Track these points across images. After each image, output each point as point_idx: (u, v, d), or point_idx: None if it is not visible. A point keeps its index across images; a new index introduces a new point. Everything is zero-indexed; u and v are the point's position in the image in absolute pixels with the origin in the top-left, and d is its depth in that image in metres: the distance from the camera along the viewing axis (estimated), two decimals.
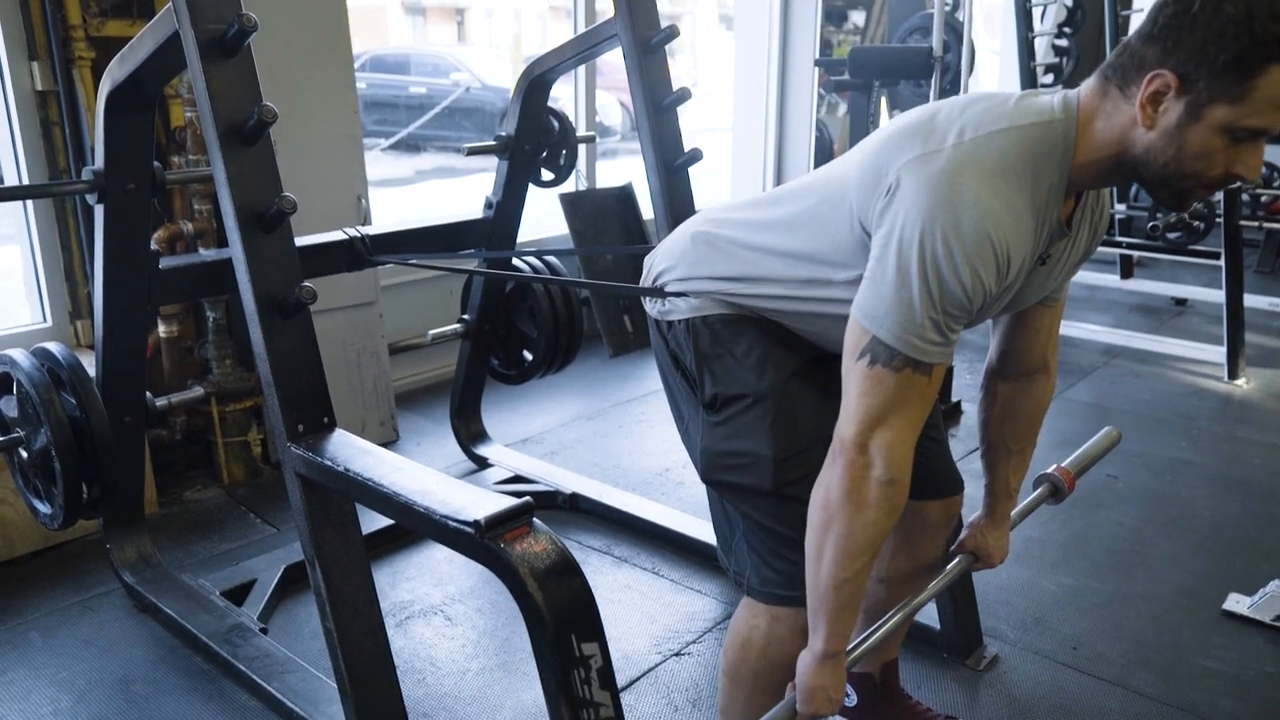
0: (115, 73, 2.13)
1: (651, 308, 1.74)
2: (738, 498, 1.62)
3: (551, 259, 3.13)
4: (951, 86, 5.06)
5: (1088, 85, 1.36)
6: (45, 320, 3.14)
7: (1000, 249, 1.29)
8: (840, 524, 1.37)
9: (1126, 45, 1.31)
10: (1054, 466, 1.93)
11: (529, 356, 3.25)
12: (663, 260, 1.73)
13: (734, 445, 1.60)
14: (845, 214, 1.44)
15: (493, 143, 3.04)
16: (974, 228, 1.28)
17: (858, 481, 1.35)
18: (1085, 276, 5.91)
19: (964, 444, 3.57)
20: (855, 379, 1.36)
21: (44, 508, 2.30)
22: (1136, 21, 6.73)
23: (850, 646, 1.52)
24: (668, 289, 1.69)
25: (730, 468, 1.61)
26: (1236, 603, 2.60)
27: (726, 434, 1.61)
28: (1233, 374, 4.41)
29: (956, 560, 1.82)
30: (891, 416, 1.34)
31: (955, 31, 5.24)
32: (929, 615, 2.39)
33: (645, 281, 1.76)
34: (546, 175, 3.16)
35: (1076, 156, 1.35)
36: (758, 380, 1.60)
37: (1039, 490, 1.93)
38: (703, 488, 1.72)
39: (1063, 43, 6.62)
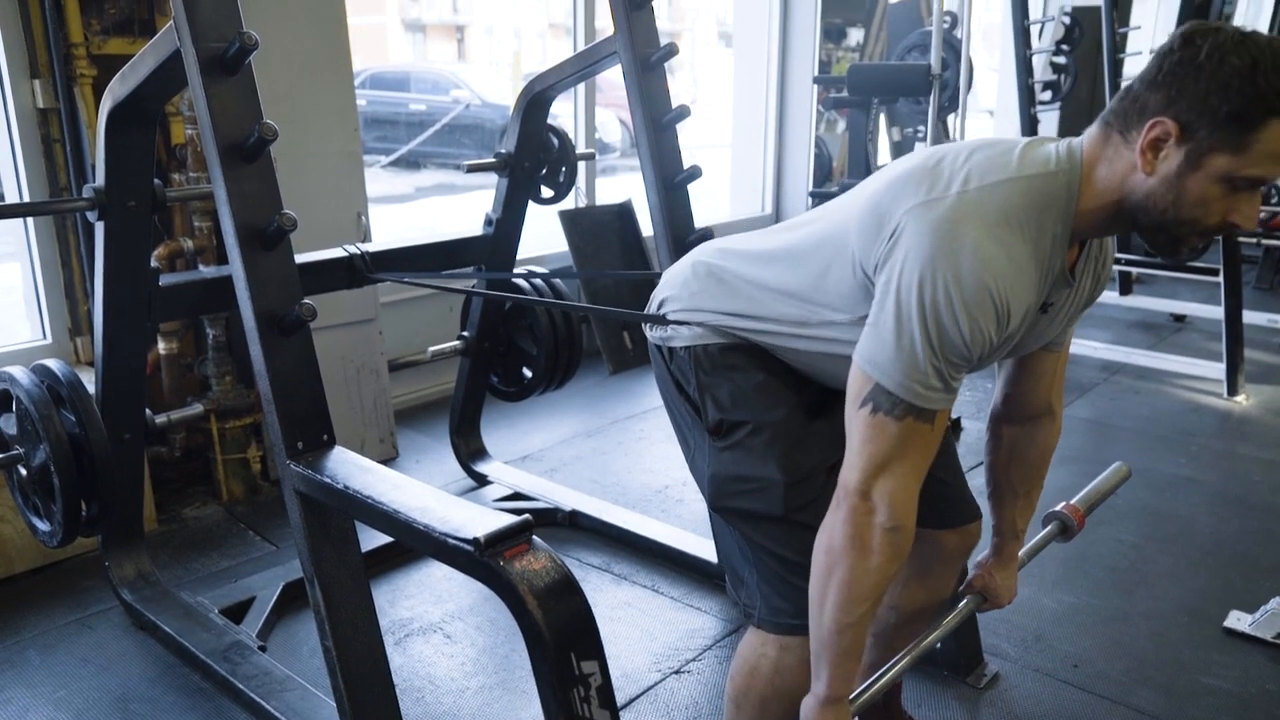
0: (117, 90, 2.13)
1: (653, 334, 1.74)
2: (747, 524, 1.60)
3: (559, 284, 3.13)
4: (950, 104, 5.09)
5: (1090, 133, 1.37)
6: (45, 337, 3.14)
7: (1000, 300, 1.29)
8: (843, 570, 1.37)
9: (1129, 90, 1.31)
10: (1063, 504, 1.92)
11: (529, 374, 3.25)
12: (666, 288, 1.73)
13: (742, 470, 1.59)
14: (847, 257, 1.44)
15: (492, 160, 3.05)
16: (974, 278, 1.27)
17: (861, 528, 1.35)
18: None
19: (965, 461, 3.55)
20: (858, 426, 1.36)
21: (43, 525, 2.30)
22: (1134, 39, 6.80)
23: (854, 693, 1.52)
24: (669, 317, 1.69)
25: (739, 494, 1.60)
26: (1238, 620, 2.59)
27: (734, 460, 1.60)
28: (1232, 390, 4.41)
29: (965, 601, 1.81)
30: (894, 464, 1.34)
31: (954, 49, 5.26)
32: None
33: (650, 308, 1.76)
34: (546, 192, 3.17)
35: (1080, 205, 1.35)
36: (763, 406, 1.59)
37: (1048, 528, 1.92)
38: (703, 505, 1.72)
39: (1061, 60, 6.66)
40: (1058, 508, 1.92)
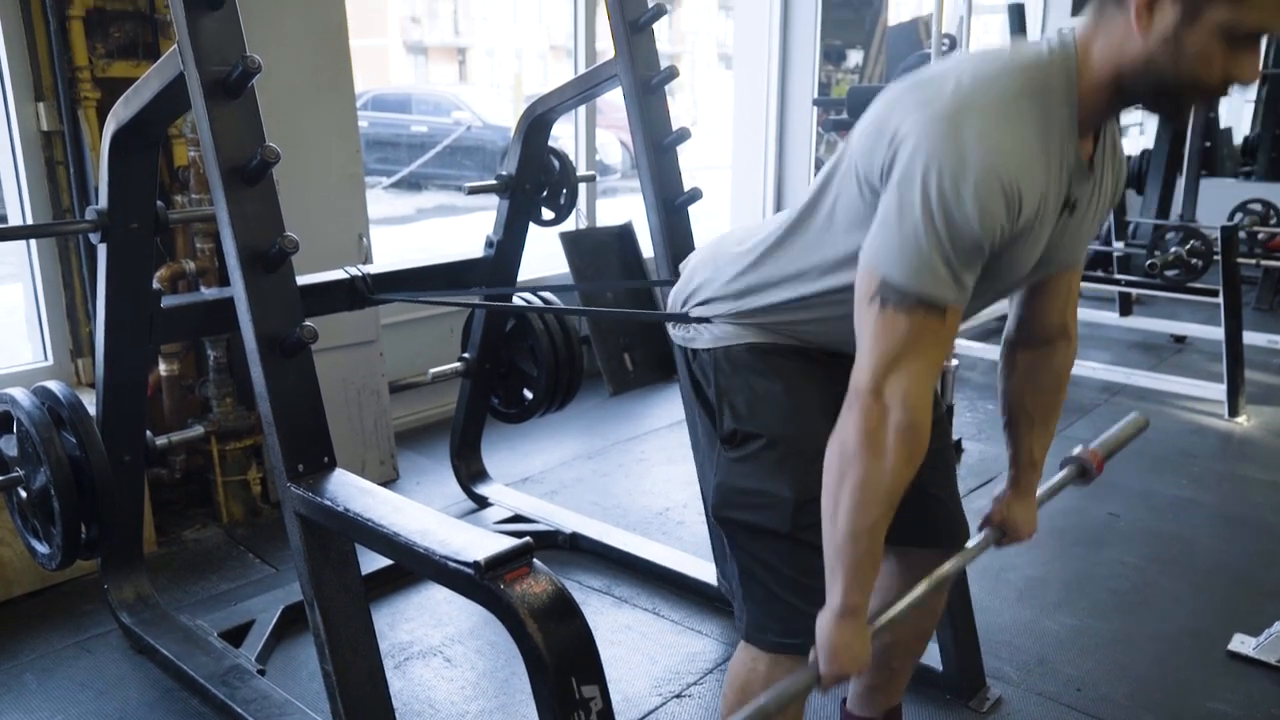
0: (120, 113, 2.15)
1: (676, 334, 1.72)
2: (748, 537, 1.58)
3: (552, 296, 3.14)
4: None
5: (1081, 18, 1.35)
6: (47, 359, 3.14)
7: (1009, 183, 1.27)
8: (857, 471, 1.33)
9: None
10: (1080, 447, 1.85)
11: (529, 395, 3.24)
12: (689, 285, 1.71)
13: (751, 484, 1.57)
14: (851, 179, 1.42)
15: (494, 182, 3.06)
16: (979, 163, 1.25)
17: (874, 428, 1.31)
18: (1084, 314, 5.92)
19: (964, 483, 3.56)
20: (867, 323, 1.33)
21: (42, 548, 2.29)
22: None
23: (872, 616, 1.44)
24: (691, 314, 1.67)
25: (745, 506, 1.58)
26: (1241, 643, 2.58)
27: (744, 472, 1.58)
28: (1233, 411, 4.41)
29: (983, 534, 1.74)
30: (906, 360, 1.31)
31: None
32: (931, 657, 2.37)
33: (673, 306, 1.74)
34: (547, 214, 3.17)
35: (1082, 84, 1.33)
36: (780, 418, 1.58)
37: (1066, 470, 1.85)
38: (703, 527, 1.71)
39: None
40: (1075, 451, 1.85)
